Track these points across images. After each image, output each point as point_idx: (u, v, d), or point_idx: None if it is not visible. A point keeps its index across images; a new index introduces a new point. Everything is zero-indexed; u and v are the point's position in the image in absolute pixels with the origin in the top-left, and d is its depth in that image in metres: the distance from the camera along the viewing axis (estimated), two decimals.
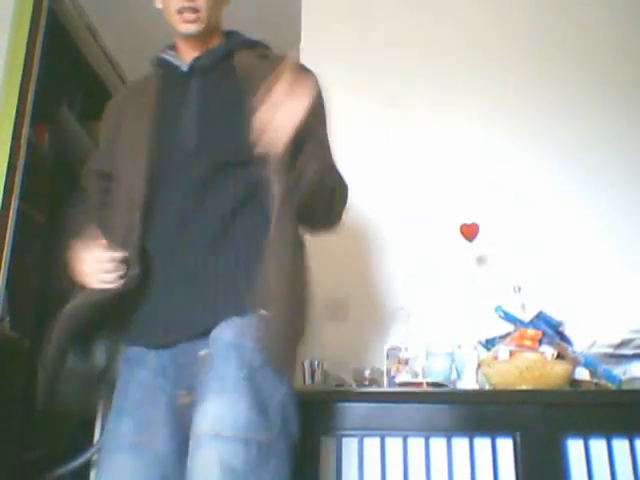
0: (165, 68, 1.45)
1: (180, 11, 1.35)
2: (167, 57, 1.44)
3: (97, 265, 1.25)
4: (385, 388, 1.71)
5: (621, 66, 2.29)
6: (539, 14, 2.36)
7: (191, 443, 1.10)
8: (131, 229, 1.28)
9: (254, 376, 1.12)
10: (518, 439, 1.47)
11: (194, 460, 1.07)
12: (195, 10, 1.35)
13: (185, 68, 1.40)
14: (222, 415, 1.08)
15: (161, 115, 1.36)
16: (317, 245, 2.11)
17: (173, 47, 1.46)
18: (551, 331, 1.63)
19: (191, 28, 1.37)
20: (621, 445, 1.47)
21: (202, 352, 1.19)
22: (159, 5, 1.44)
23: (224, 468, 1.04)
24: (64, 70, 2.96)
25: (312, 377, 1.69)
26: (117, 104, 1.50)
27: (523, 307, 1.77)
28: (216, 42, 1.43)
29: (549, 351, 1.58)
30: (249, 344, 1.15)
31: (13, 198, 2.19)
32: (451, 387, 1.66)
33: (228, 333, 1.17)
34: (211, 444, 1.06)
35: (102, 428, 1.67)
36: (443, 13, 2.41)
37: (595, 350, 1.70)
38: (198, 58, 1.40)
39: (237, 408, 1.08)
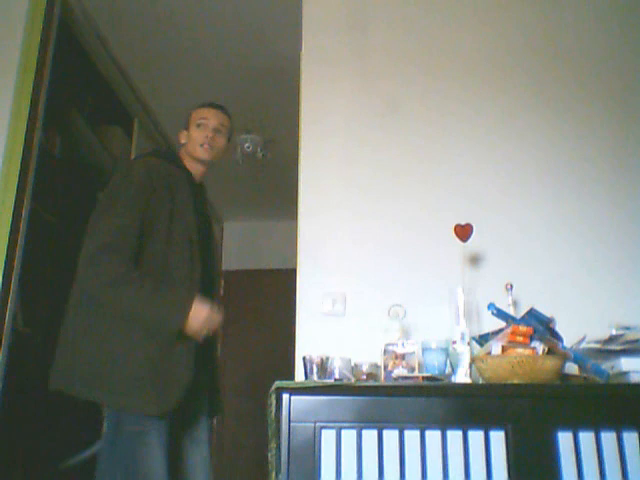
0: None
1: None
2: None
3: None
4: (382, 382, 1.72)
5: (617, 76, 2.33)
6: (536, 26, 2.39)
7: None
8: None
9: None
10: (510, 431, 1.48)
11: None
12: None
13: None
14: None
15: None
16: (318, 245, 2.20)
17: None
18: (542, 327, 1.64)
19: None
20: (609, 437, 1.48)
21: None
22: (184, 140, 1.97)
23: None
24: (74, 77, 3.01)
25: (312, 372, 1.70)
26: None
27: (514, 304, 1.82)
28: None
29: (540, 346, 1.60)
30: None
31: (25, 199, 2.24)
32: (446, 381, 1.67)
33: None
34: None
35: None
36: (442, 22, 2.44)
37: (584, 346, 1.71)
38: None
39: None
